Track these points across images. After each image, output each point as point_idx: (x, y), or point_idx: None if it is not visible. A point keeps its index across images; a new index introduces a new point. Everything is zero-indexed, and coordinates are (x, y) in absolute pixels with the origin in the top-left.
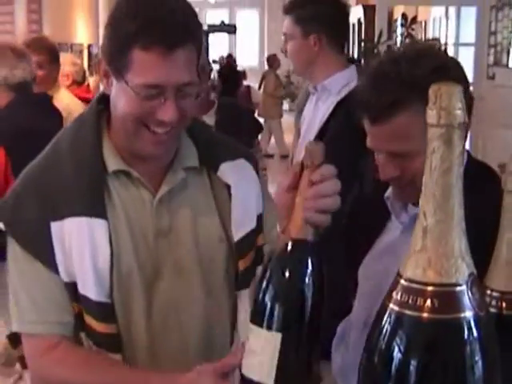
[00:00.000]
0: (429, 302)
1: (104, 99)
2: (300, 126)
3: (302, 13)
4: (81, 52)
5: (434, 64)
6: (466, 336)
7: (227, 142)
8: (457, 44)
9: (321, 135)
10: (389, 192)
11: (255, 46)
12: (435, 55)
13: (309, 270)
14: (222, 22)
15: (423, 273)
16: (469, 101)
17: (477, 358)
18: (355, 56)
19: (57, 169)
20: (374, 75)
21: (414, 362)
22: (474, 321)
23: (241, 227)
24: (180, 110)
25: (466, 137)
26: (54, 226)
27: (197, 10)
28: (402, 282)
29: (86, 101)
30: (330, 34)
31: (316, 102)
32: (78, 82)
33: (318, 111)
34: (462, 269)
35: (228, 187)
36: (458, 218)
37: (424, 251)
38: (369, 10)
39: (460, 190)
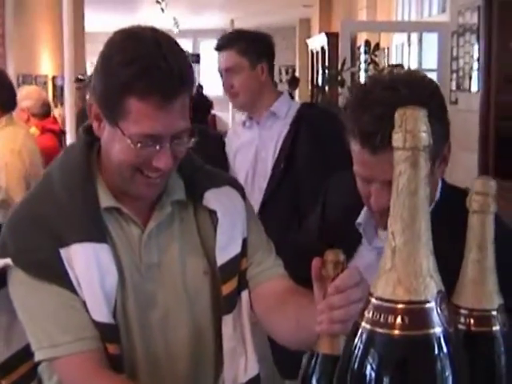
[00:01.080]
0: (399, 319)
1: (91, 130)
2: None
3: (247, 44)
4: (45, 83)
5: (429, 90)
6: (436, 351)
7: (212, 171)
8: (419, 70)
9: (287, 158)
10: (361, 218)
11: (219, 76)
12: (426, 81)
13: None
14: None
15: (393, 291)
16: (447, 125)
17: (447, 373)
18: (319, 83)
19: (51, 199)
20: (377, 103)
21: (386, 379)
22: (444, 336)
23: (225, 252)
24: (175, 156)
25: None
26: (63, 252)
27: None
28: (373, 300)
29: (53, 132)
30: (269, 64)
31: (260, 131)
32: (40, 115)
33: (265, 139)
34: (431, 286)
35: (213, 213)
36: (425, 237)
37: (393, 270)
38: (332, 38)
39: (427, 211)
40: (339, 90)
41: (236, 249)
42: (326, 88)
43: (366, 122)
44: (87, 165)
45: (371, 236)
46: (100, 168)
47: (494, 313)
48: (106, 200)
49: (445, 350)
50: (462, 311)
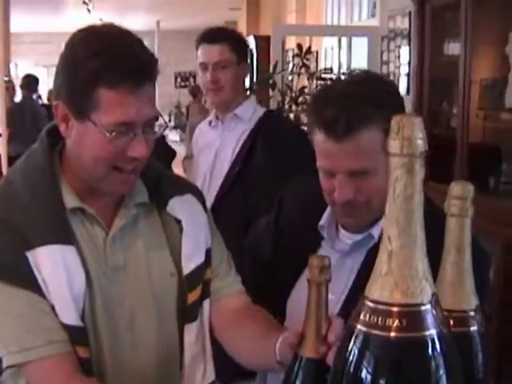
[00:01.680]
0: (397, 321)
1: (54, 132)
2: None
3: (237, 41)
4: None
5: (387, 88)
6: (431, 352)
7: (173, 178)
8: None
9: (243, 162)
10: (323, 221)
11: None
12: (385, 80)
13: None
14: None
15: (390, 294)
16: None
17: (441, 373)
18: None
19: (14, 202)
20: (340, 95)
21: (382, 381)
22: (438, 337)
23: (191, 261)
24: (148, 145)
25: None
26: (30, 255)
27: None
28: (369, 303)
29: None
30: (246, 63)
31: (222, 132)
32: None
33: (225, 140)
34: (426, 289)
35: (178, 222)
36: (420, 241)
37: (390, 274)
38: (260, 41)
39: (421, 215)
40: (270, 92)
41: (200, 258)
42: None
43: (330, 110)
44: (50, 166)
45: (333, 238)
46: (63, 169)
47: (472, 313)
48: (70, 201)
49: (439, 350)
50: None
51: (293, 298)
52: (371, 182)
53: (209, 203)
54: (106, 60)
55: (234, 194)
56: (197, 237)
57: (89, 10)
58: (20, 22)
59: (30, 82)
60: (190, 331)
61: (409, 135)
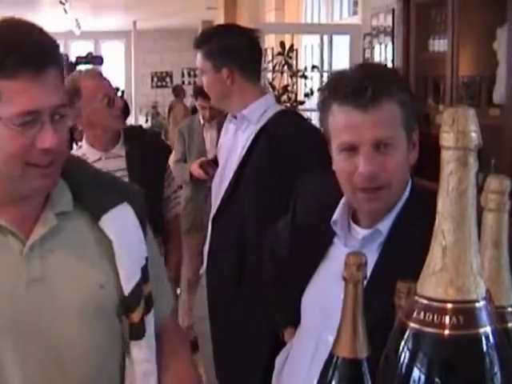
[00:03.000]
0: (454, 319)
1: None
2: (216, 154)
3: (211, 47)
4: None
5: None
6: (487, 349)
7: (107, 185)
8: (330, 71)
9: (243, 165)
10: (336, 215)
11: (121, 78)
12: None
13: None
14: (90, 54)
15: (445, 291)
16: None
17: (496, 370)
18: None
19: None
20: (365, 68)
21: (437, 378)
22: (492, 334)
23: (128, 282)
24: (58, 135)
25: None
26: None
27: (62, 41)
28: (422, 300)
29: None
30: (242, 66)
31: (235, 132)
32: None
33: (237, 140)
34: (481, 285)
35: (110, 241)
36: (474, 236)
37: (445, 270)
38: None
39: (475, 209)
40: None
41: (137, 275)
42: None
43: (354, 82)
44: None
45: (345, 234)
46: None
47: (510, 309)
48: None
49: (494, 347)
50: None
51: (307, 295)
52: (393, 157)
53: (217, 206)
54: (3, 49)
55: (233, 201)
56: (131, 255)
57: (65, 10)
58: None
59: None
60: (141, 347)
61: (463, 128)
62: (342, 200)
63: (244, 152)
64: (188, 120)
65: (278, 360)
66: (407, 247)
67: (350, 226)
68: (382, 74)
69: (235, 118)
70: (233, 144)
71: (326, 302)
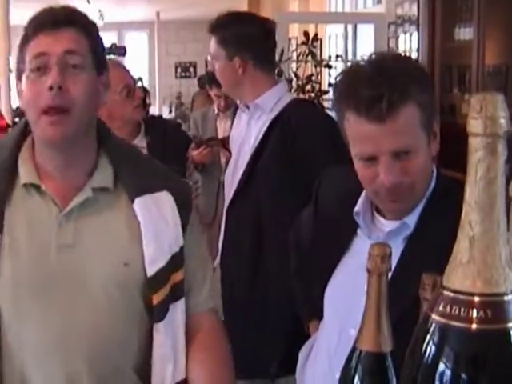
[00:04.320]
0: (481, 312)
1: None
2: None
3: (226, 34)
4: None
5: (414, 63)
6: None
7: (151, 171)
8: (354, 61)
9: (256, 155)
10: (358, 207)
11: (145, 68)
12: (409, 56)
13: None
14: (114, 45)
15: (472, 283)
16: (434, 98)
17: None
18: None
19: None
20: (375, 74)
21: (464, 374)
22: None
23: (153, 264)
24: (68, 81)
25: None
26: None
27: None
28: (449, 293)
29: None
30: (256, 55)
31: (248, 121)
32: None
33: (251, 130)
34: (510, 277)
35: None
36: (503, 226)
37: (472, 262)
38: None
39: (504, 199)
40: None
41: (162, 261)
42: None
43: (368, 91)
44: (15, 142)
45: (369, 225)
46: (32, 149)
47: None
48: (26, 177)
49: None
50: None
51: (330, 287)
52: (414, 162)
53: (230, 197)
54: (33, 22)
55: (247, 191)
56: (159, 240)
57: (88, 1)
58: (20, 14)
59: None
60: (159, 329)
61: (492, 114)
62: (364, 191)
63: (258, 142)
64: (203, 109)
65: (302, 353)
66: (434, 239)
67: (374, 217)
68: (399, 72)
69: (248, 107)
70: (246, 134)
71: (348, 295)
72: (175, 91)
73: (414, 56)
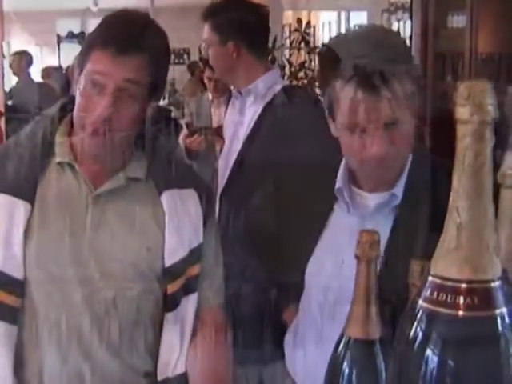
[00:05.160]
0: (468, 299)
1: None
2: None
3: (219, 20)
4: None
5: (399, 34)
6: (502, 330)
7: (181, 169)
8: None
9: (250, 141)
10: (340, 183)
11: None
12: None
13: (370, 372)
14: None
15: (459, 270)
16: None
17: (511, 351)
18: None
19: (15, 149)
20: (366, 45)
21: (450, 361)
22: (508, 315)
23: (172, 255)
24: (116, 108)
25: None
26: None
27: (78, 18)
28: (436, 280)
29: None
30: (250, 40)
31: (241, 108)
32: None
33: (243, 115)
34: (497, 265)
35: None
36: (491, 213)
37: (459, 248)
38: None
39: (491, 185)
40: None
41: (183, 253)
42: None
43: (361, 64)
44: (52, 121)
45: (347, 200)
46: (71, 125)
47: None
48: (61, 156)
49: (509, 327)
50: None
51: (311, 265)
52: (402, 131)
53: (223, 184)
54: (103, 26)
55: (241, 176)
56: (181, 234)
57: None
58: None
59: None
60: (169, 319)
61: (480, 101)
62: (341, 167)
63: (251, 127)
64: (198, 96)
65: (287, 339)
66: (422, 207)
67: (353, 192)
68: (390, 43)
69: (240, 93)
70: (238, 121)
71: (331, 271)
72: (168, 78)
73: (407, 43)
